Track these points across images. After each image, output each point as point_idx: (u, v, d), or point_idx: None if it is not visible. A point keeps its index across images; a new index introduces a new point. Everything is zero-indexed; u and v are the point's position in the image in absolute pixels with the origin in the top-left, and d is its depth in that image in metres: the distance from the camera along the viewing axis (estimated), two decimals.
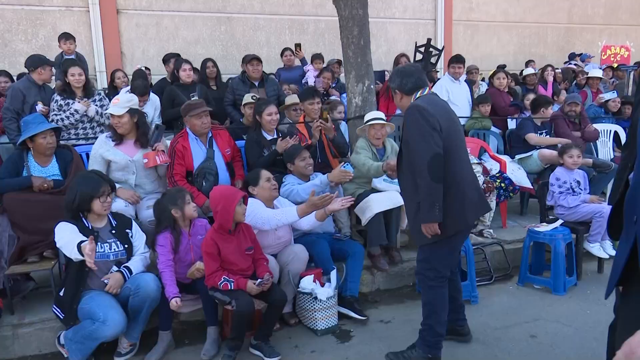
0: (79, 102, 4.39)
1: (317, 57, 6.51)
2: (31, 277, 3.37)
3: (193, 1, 8.40)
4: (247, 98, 4.56)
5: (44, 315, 3.10)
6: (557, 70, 7.73)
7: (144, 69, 6.24)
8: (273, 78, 5.61)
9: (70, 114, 4.31)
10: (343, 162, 3.83)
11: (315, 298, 3.13)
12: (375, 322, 3.34)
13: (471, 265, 3.59)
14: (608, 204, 2.18)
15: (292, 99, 5.14)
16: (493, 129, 5.69)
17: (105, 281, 2.83)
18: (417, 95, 2.69)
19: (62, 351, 2.92)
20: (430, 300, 2.75)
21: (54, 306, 2.91)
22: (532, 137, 5.16)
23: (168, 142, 3.79)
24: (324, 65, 6.52)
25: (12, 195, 3.24)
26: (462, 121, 5.33)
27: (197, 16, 8.48)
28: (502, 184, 4.63)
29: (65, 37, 5.70)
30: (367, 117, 3.99)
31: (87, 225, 2.88)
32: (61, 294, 2.88)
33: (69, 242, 2.68)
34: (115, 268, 2.89)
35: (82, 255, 2.59)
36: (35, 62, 4.66)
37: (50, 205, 3.26)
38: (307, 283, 3.14)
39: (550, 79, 7.20)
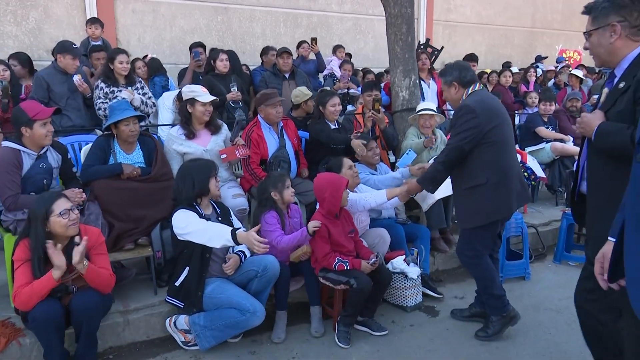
0: (125, 90, 4.32)
1: (339, 47, 6.72)
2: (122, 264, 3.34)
3: None
4: (308, 92, 4.71)
5: (147, 302, 3.11)
6: (538, 70, 8.40)
7: (155, 57, 6.09)
8: (301, 71, 5.73)
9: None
10: (407, 150, 4.08)
11: (406, 276, 3.37)
12: (451, 299, 3.64)
13: (526, 245, 3.98)
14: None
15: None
16: None
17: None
18: (471, 90, 2.92)
19: (175, 336, 2.96)
20: (479, 274, 3.03)
21: (169, 297, 2.95)
22: (542, 131, 5.68)
23: None
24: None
25: (103, 182, 3.21)
26: None
27: (195, 5, 8.34)
28: (526, 174, 5.10)
29: (92, 21, 5.50)
30: (419, 107, 4.30)
31: (200, 212, 2.93)
32: (177, 283, 2.92)
33: (213, 229, 2.73)
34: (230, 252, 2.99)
35: (237, 244, 2.68)
36: (57, 48, 4.47)
37: (140, 192, 3.27)
38: (399, 263, 3.37)
39: (533, 79, 7.82)
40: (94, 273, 2.52)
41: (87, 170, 3.24)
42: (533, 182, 5.18)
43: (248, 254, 3.05)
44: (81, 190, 3.05)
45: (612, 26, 1.95)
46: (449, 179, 4.16)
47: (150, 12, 8.03)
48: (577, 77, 7.79)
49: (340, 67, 6.43)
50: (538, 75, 8.43)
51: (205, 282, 2.90)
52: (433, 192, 3.01)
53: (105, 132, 3.44)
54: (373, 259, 3.03)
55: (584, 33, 2.10)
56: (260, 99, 3.82)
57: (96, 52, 5.05)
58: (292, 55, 5.55)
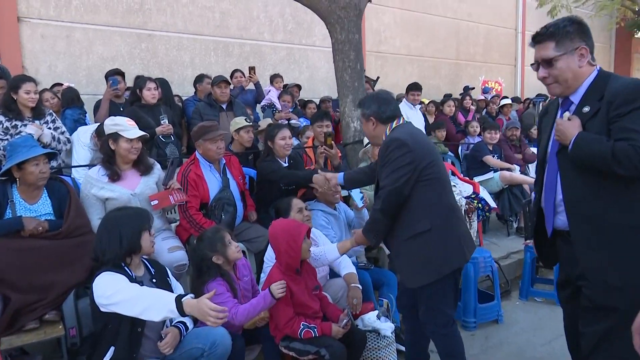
0: (31, 124, 3.60)
1: (276, 77, 6.35)
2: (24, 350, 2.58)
3: (110, 14, 7.53)
4: (241, 121, 4.14)
5: None
6: (477, 101, 8.55)
7: (73, 86, 5.33)
8: (239, 101, 5.25)
9: None
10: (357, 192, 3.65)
11: (379, 334, 2.91)
12: None
13: (497, 285, 3.70)
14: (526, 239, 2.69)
15: (266, 122, 4.90)
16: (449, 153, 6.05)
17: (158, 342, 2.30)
18: (393, 125, 2.50)
19: None
20: (449, 350, 2.47)
21: None
22: (490, 160, 5.59)
23: None
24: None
25: None
26: None
27: (115, 31, 7.62)
28: (480, 205, 4.91)
29: None
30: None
31: (130, 274, 2.31)
32: None
33: (150, 297, 2.12)
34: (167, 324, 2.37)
35: (183, 315, 2.09)
36: None
37: (48, 252, 2.61)
38: (371, 319, 2.91)
39: (473, 107, 7.92)
40: None
41: None
42: (487, 214, 5.01)
43: (190, 326, 2.45)
44: None
45: (581, 49, 1.95)
46: None
47: (63, 37, 7.20)
48: (509, 106, 7.98)
49: (279, 97, 6.02)
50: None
51: None
52: (376, 245, 2.59)
53: (1, 178, 2.72)
54: (344, 320, 2.55)
55: (542, 61, 2.01)
56: (198, 132, 3.28)
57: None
58: (229, 85, 5.05)
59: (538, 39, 2.01)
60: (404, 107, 6.09)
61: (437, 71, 12.52)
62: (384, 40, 11.36)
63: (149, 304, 2.10)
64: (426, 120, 7.00)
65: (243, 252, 3.33)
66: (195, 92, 5.86)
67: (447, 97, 7.41)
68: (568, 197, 2.00)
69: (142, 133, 3.00)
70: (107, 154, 2.99)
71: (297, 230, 2.59)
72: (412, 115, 6.04)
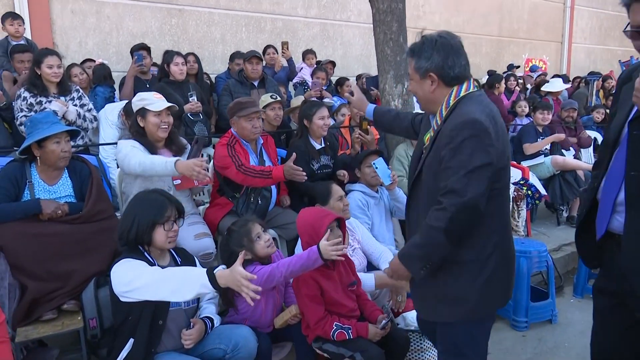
0: (56, 101, 3.44)
1: (309, 53, 6.03)
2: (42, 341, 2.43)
3: None
4: (267, 98, 3.87)
5: None
6: (519, 80, 8.02)
7: (106, 63, 5.17)
8: (271, 79, 4.97)
9: None
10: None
11: (421, 334, 2.64)
12: None
13: (552, 282, 3.36)
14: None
15: (299, 100, 4.62)
16: None
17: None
18: (462, 93, 1.71)
19: None
20: None
21: None
22: (527, 148, 5.13)
23: None
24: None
25: (13, 227, 2.32)
26: None
27: (145, 6, 7.43)
28: (529, 192, 4.53)
29: (12, 16, 4.51)
30: None
31: (152, 261, 2.11)
32: None
33: (176, 276, 1.91)
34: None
35: (217, 289, 1.85)
36: None
37: (67, 238, 2.41)
38: (413, 318, 2.64)
39: (518, 88, 7.41)
40: None
41: None
42: (537, 202, 4.61)
43: (217, 322, 2.24)
44: None
45: None
46: None
47: (93, 13, 7.05)
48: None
49: (312, 74, 5.71)
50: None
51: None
52: (417, 276, 1.76)
53: (21, 156, 2.54)
54: (383, 322, 2.29)
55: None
56: (233, 108, 3.02)
57: (19, 53, 4.11)
58: (262, 61, 4.76)
59: None
60: None
61: (477, 49, 11.87)
62: (423, 16, 10.81)
63: (177, 283, 1.88)
64: None
65: (275, 239, 3.10)
66: (228, 69, 5.61)
67: (493, 74, 6.89)
68: (632, 189, 1.54)
69: (170, 104, 2.77)
70: (139, 132, 2.79)
71: (320, 222, 2.29)
72: None
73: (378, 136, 3.70)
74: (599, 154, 1.85)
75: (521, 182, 4.55)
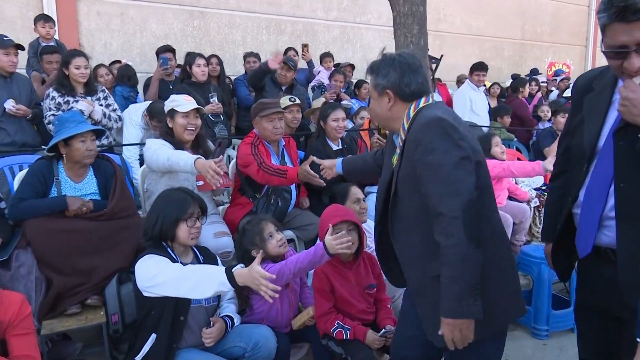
0: (83, 100, 3.52)
1: (326, 56, 6.05)
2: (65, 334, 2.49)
3: None
4: (285, 101, 3.91)
5: None
6: (542, 84, 7.91)
7: (131, 65, 5.27)
8: (300, 87, 4.99)
9: None
10: None
11: None
12: None
13: (574, 289, 3.30)
14: (543, 241, 1.95)
15: (318, 102, 4.64)
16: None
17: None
18: (421, 104, 1.67)
19: None
20: None
21: None
22: (547, 152, 5.01)
23: None
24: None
25: (40, 222, 2.39)
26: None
27: (168, 8, 7.56)
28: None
29: (44, 19, 4.63)
30: None
31: (175, 258, 2.15)
32: (138, 358, 2.10)
33: (197, 274, 1.95)
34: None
35: (236, 287, 1.89)
36: None
37: (91, 235, 2.47)
38: None
39: (540, 93, 7.31)
40: None
41: (18, 206, 2.42)
42: None
43: (237, 321, 2.27)
44: None
45: None
46: None
47: (117, 15, 7.20)
48: None
49: (330, 77, 5.73)
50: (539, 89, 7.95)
51: (175, 356, 2.12)
52: (481, 314, 1.50)
53: (48, 154, 2.62)
54: (383, 330, 2.28)
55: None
56: (256, 108, 3.07)
57: (48, 54, 4.22)
58: (294, 71, 4.74)
59: (638, 15, 1.31)
60: (467, 88, 5.64)
61: (499, 52, 11.74)
62: (443, 18, 10.74)
63: (197, 280, 1.93)
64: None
65: (292, 240, 3.12)
66: (245, 72, 5.67)
67: (517, 78, 6.81)
68: (622, 201, 1.47)
69: (196, 105, 2.83)
70: (167, 133, 2.86)
71: (329, 220, 2.29)
72: (476, 98, 5.58)
73: None
74: (563, 165, 1.78)
75: (543, 187, 4.48)
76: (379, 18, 9.89)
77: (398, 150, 1.71)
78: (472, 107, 5.40)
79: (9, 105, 3.43)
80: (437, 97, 5.03)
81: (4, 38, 3.48)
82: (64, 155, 2.53)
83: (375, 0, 9.29)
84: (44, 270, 2.36)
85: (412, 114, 1.66)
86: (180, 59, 5.26)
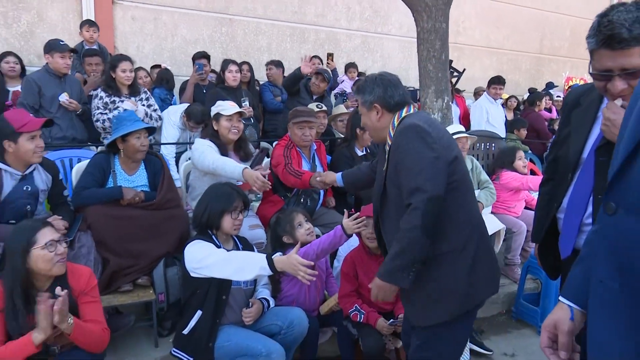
0: (127, 101, 3.83)
1: (351, 66, 6.31)
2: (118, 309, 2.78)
3: None
4: (313, 107, 4.18)
5: (147, 356, 2.57)
6: (557, 98, 8.09)
7: (169, 69, 5.61)
8: (329, 98, 5.28)
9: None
10: None
11: None
12: (500, 356, 3.14)
13: None
14: (532, 242, 2.15)
15: (340, 109, 4.89)
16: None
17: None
18: (404, 114, 1.95)
19: None
20: None
21: (175, 350, 2.40)
22: None
23: None
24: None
25: (98, 209, 2.69)
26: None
27: (198, 14, 7.91)
28: None
29: (89, 24, 4.99)
30: (450, 130, 3.85)
31: (218, 244, 2.42)
32: (185, 331, 2.38)
33: (240, 258, 2.23)
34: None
35: (275, 272, 2.15)
36: (44, 49, 3.95)
37: (141, 222, 2.76)
38: None
39: (554, 107, 7.48)
40: (82, 331, 1.98)
41: (81, 194, 2.72)
42: None
43: (272, 304, 2.53)
44: (65, 221, 2.53)
45: None
46: (491, 216, 3.79)
47: (151, 20, 7.57)
48: None
49: (352, 87, 6.01)
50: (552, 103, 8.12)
51: (218, 330, 2.39)
52: (406, 285, 1.80)
53: (106, 148, 2.93)
54: (392, 320, 2.51)
55: (622, 70, 1.50)
56: (291, 114, 3.35)
57: (89, 57, 4.55)
58: (329, 82, 5.01)
59: (622, 44, 1.43)
60: (484, 101, 5.86)
61: (517, 65, 11.92)
62: (462, 31, 10.95)
63: (241, 264, 2.20)
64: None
65: (318, 236, 3.37)
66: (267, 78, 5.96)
67: (534, 92, 7.01)
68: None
69: (239, 109, 3.11)
70: (213, 135, 3.14)
71: (364, 214, 2.56)
72: (493, 111, 5.80)
73: None
74: (551, 173, 1.93)
75: None
76: (399, 29, 10.15)
77: (386, 156, 1.97)
78: (489, 119, 5.62)
79: (64, 98, 3.75)
80: (454, 108, 5.31)
81: (60, 42, 3.81)
82: (121, 150, 2.83)
83: (396, 11, 9.54)
84: (101, 251, 2.65)
85: (396, 122, 1.94)
86: (215, 64, 5.58)
